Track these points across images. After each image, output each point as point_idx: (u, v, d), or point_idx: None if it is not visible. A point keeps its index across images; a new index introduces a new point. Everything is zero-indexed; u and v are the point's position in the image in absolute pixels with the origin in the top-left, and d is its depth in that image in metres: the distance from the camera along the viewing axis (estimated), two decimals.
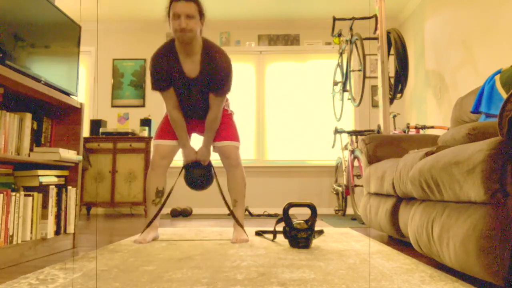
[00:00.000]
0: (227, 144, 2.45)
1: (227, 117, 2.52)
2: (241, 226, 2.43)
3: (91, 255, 1.90)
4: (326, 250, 2.04)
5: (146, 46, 5.51)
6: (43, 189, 2.00)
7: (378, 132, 3.73)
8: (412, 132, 3.92)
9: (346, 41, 4.41)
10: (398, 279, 1.41)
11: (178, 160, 2.82)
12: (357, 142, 4.26)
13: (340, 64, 4.70)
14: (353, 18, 4.09)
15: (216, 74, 2.26)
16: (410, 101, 5.08)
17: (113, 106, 5.45)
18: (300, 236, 2.12)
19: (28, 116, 2.02)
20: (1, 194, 1.69)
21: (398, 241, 2.45)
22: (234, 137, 2.49)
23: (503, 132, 1.17)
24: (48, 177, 2.08)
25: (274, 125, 5.46)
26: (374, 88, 5.39)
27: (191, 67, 2.28)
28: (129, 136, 4.86)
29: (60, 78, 2.22)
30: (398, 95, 4.09)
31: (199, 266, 1.64)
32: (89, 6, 5.09)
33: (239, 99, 5.47)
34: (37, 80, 1.99)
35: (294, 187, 5.28)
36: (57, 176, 2.18)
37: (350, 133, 4.25)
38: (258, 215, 4.67)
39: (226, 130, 2.48)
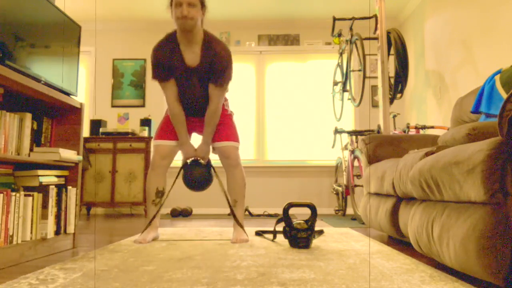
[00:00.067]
0: (226, 144, 2.45)
1: (227, 117, 2.52)
2: (241, 226, 2.43)
3: (91, 255, 1.90)
4: (326, 250, 2.04)
5: (146, 46, 5.51)
6: (43, 189, 2.00)
7: (378, 132, 3.73)
8: (412, 132, 3.92)
9: (346, 41, 4.41)
10: (398, 279, 1.41)
11: (178, 160, 2.81)
12: (357, 142, 4.26)
13: (340, 64, 4.70)
14: (353, 18, 4.09)
15: (216, 64, 2.28)
16: (410, 101, 5.08)
17: (113, 106, 5.45)
18: (300, 236, 2.12)
19: (28, 116, 2.02)
20: (1, 194, 1.69)
21: (398, 241, 2.45)
22: (234, 137, 2.49)
23: (503, 132, 1.17)
24: (48, 177, 2.08)
25: (274, 125, 5.46)
26: (374, 88, 5.39)
27: (191, 56, 2.30)
28: (129, 136, 4.86)
29: (60, 78, 2.22)
30: (398, 95, 4.09)
31: (199, 266, 1.64)
32: (89, 6, 5.09)
33: (239, 99, 5.47)
34: (37, 80, 1.99)
35: (294, 187, 5.28)
36: (57, 176, 2.18)
37: (350, 133, 4.25)
38: (258, 215, 4.67)
39: (225, 130, 2.47)
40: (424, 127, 3.77)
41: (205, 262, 1.72)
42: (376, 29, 3.79)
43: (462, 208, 1.34)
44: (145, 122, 5.05)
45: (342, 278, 1.42)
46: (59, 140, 2.30)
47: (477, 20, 3.39)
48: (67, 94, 2.30)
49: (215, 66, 2.28)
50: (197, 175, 2.43)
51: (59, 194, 2.11)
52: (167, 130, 2.48)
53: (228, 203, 2.47)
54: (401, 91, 4.03)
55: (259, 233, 2.66)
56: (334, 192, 4.77)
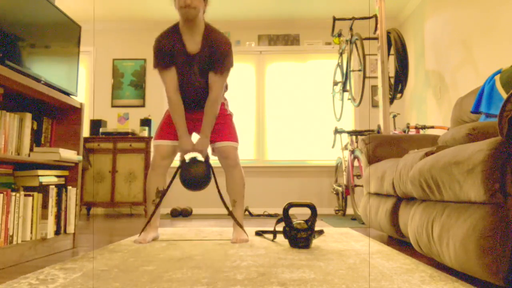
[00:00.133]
0: (226, 144, 2.45)
1: (226, 117, 2.52)
2: (241, 226, 2.43)
3: (91, 255, 1.90)
4: (326, 250, 2.04)
5: (146, 46, 5.51)
6: (43, 189, 2.00)
7: (378, 132, 3.73)
8: (412, 132, 3.92)
9: (346, 41, 4.41)
10: (398, 279, 1.41)
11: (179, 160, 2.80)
12: (357, 142, 4.26)
13: (340, 64, 4.70)
14: (353, 18, 4.09)
15: (216, 51, 2.32)
16: (410, 101, 5.08)
17: (113, 106, 5.45)
18: (300, 236, 2.12)
19: (28, 116, 2.02)
20: (1, 194, 1.69)
21: (398, 241, 2.45)
22: (233, 137, 2.49)
23: (503, 132, 1.17)
24: (48, 177, 2.08)
25: (274, 125, 5.46)
26: (374, 88, 5.39)
27: (193, 45, 2.34)
28: (129, 136, 4.86)
29: (60, 78, 2.22)
30: (398, 95, 4.09)
31: (199, 266, 1.64)
32: (89, 6, 5.09)
33: (239, 99, 5.47)
34: (37, 80, 1.99)
35: (294, 187, 5.28)
36: (57, 176, 2.18)
37: (350, 133, 4.25)
38: (258, 215, 4.67)
39: (225, 130, 2.47)
40: (424, 127, 3.77)
41: (205, 262, 1.72)
42: (376, 29, 3.79)
43: (462, 208, 1.34)
44: (145, 122, 5.04)
45: (342, 278, 1.42)
46: (59, 140, 2.30)
47: (477, 20, 3.39)
48: (67, 94, 2.29)
49: (215, 53, 2.32)
50: (195, 174, 2.37)
51: (59, 194, 2.11)
52: (167, 130, 2.47)
53: (225, 205, 2.46)
54: (401, 91, 4.03)
55: (259, 233, 2.66)
56: (334, 192, 4.77)
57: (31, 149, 2.06)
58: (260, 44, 5.51)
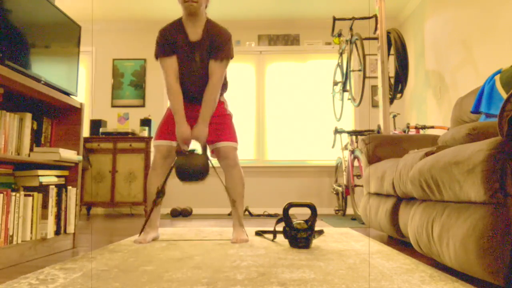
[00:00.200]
0: (226, 144, 2.45)
1: (226, 118, 2.52)
2: (241, 226, 2.43)
3: (91, 255, 1.90)
4: (326, 250, 2.04)
5: (146, 46, 5.51)
6: (43, 189, 2.00)
7: (378, 132, 3.73)
8: (412, 132, 3.92)
9: (346, 41, 4.41)
10: (398, 279, 1.41)
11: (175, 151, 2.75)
12: (357, 142, 4.26)
13: (340, 64, 4.70)
14: (353, 18, 4.09)
15: (216, 39, 2.38)
16: (410, 101, 5.08)
17: (113, 106, 5.45)
18: (300, 236, 2.12)
19: (28, 116, 2.02)
20: (1, 194, 1.69)
21: (398, 241, 2.45)
22: (233, 138, 2.49)
23: (503, 132, 1.17)
24: (48, 177, 2.08)
25: (274, 125, 5.46)
26: (374, 88, 5.39)
27: (194, 34, 2.41)
28: (129, 136, 4.86)
29: (60, 78, 2.22)
30: (398, 95, 4.09)
31: (199, 266, 1.64)
32: (89, 6, 5.09)
33: (239, 99, 5.47)
34: (37, 80, 1.99)
35: (294, 187, 5.28)
36: (57, 176, 2.18)
37: (350, 133, 4.25)
38: (258, 215, 4.67)
39: (224, 130, 2.48)
40: (424, 127, 3.77)
41: (205, 262, 1.72)
42: (376, 29, 3.79)
43: (462, 208, 1.34)
44: (145, 122, 5.04)
45: (342, 278, 1.42)
46: (59, 140, 2.30)
47: (477, 20, 3.39)
48: (67, 94, 2.29)
49: (216, 41, 2.38)
50: (192, 165, 2.30)
51: (59, 194, 2.11)
52: (167, 130, 2.47)
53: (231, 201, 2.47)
54: (401, 91, 4.03)
55: (259, 233, 2.66)
56: (334, 192, 4.77)
57: (31, 149, 2.06)
58: (260, 44, 5.51)
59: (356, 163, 4.26)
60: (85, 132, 5.21)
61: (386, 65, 3.71)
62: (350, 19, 4.10)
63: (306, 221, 2.17)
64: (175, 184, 5.28)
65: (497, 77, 2.11)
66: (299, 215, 4.69)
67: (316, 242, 2.35)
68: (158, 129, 2.51)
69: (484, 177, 1.19)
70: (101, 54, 5.54)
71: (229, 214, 4.78)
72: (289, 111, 5.48)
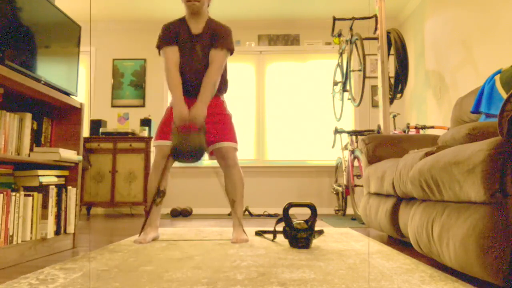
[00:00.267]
0: (225, 145, 2.45)
1: (225, 118, 2.52)
2: (241, 226, 2.43)
3: (92, 255, 1.90)
4: (326, 250, 2.04)
5: (146, 46, 5.51)
6: (43, 189, 1.99)
7: (378, 132, 3.73)
8: (412, 132, 3.92)
9: (346, 41, 4.41)
10: (398, 279, 1.41)
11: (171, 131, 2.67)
12: (357, 142, 4.26)
13: (340, 64, 4.70)
14: (353, 18, 4.09)
15: (217, 33, 2.45)
16: (410, 101, 5.08)
17: (113, 106, 5.45)
18: (300, 236, 2.12)
19: (28, 116, 2.02)
20: (1, 194, 1.69)
21: (398, 241, 2.44)
22: (233, 138, 2.50)
23: (503, 132, 1.17)
24: (48, 177, 2.08)
25: (274, 125, 5.46)
26: (374, 88, 5.39)
27: (196, 28, 2.49)
28: (129, 136, 4.86)
29: (60, 78, 2.22)
30: (398, 95, 4.09)
31: (199, 266, 1.64)
32: (89, 6, 5.09)
33: (239, 99, 5.47)
34: (37, 80, 1.99)
35: (294, 187, 5.28)
36: (57, 176, 2.18)
37: (350, 133, 4.25)
38: (258, 215, 4.67)
39: (224, 130, 2.48)
40: (424, 127, 3.77)
41: (205, 262, 1.72)
42: (376, 29, 3.79)
43: (462, 208, 1.34)
44: (145, 122, 5.04)
45: (342, 278, 1.42)
46: (59, 140, 2.30)
47: (477, 20, 3.39)
48: (67, 94, 2.29)
49: (217, 34, 2.45)
50: (187, 145, 2.25)
51: (59, 194, 2.11)
52: (167, 130, 2.47)
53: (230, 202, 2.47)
54: (401, 91, 4.03)
55: (259, 233, 2.66)
56: (334, 192, 4.77)
57: (31, 149, 2.06)
58: (260, 44, 5.51)
59: (356, 163, 4.26)
60: (85, 132, 5.21)
61: (386, 65, 3.71)
62: (350, 19, 4.10)
63: (306, 221, 2.17)
64: (175, 184, 5.28)
65: (497, 77, 2.11)
66: (299, 215, 4.69)
67: (316, 242, 2.35)
68: (158, 129, 2.51)
69: (484, 177, 1.19)
70: (101, 54, 5.54)
71: (229, 214, 4.78)
72: (289, 111, 5.48)
